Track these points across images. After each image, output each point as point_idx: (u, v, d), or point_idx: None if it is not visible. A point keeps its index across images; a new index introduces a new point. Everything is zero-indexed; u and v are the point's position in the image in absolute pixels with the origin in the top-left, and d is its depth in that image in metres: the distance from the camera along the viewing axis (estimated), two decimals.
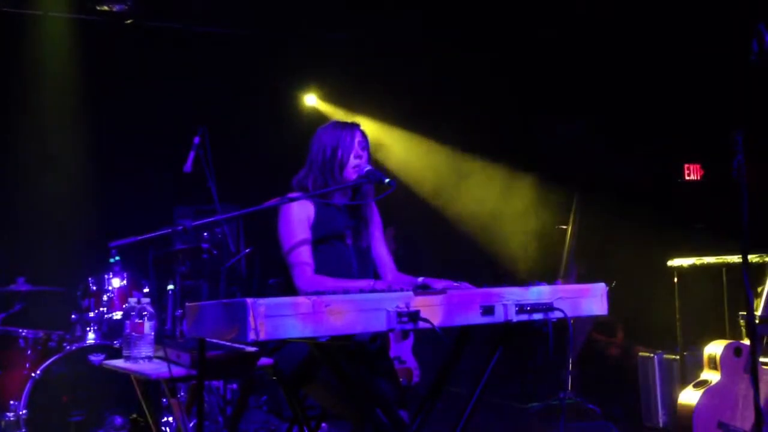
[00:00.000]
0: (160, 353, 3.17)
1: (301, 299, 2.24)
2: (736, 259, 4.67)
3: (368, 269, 3.21)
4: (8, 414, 4.46)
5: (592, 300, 2.78)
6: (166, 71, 6.45)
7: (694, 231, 5.86)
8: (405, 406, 3.00)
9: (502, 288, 2.59)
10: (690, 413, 4.17)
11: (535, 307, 2.61)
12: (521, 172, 7.02)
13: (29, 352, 4.72)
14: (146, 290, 5.04)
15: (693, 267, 4.96)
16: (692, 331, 5.06)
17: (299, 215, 3.04)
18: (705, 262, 4.90)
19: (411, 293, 2.41)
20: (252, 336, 2.14)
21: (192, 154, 4.68)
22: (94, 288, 4.92)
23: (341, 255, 3.11)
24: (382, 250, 3.29)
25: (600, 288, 2.81)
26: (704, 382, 4.25)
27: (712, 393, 4.17)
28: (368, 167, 3.13)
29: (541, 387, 6.20)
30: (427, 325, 2.38)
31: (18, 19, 6.18)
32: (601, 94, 6.59)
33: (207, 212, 5.12)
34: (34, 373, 4.47)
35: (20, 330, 4.77)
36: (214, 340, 2.92)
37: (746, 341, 4.20)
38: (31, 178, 6.22)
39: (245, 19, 6.67)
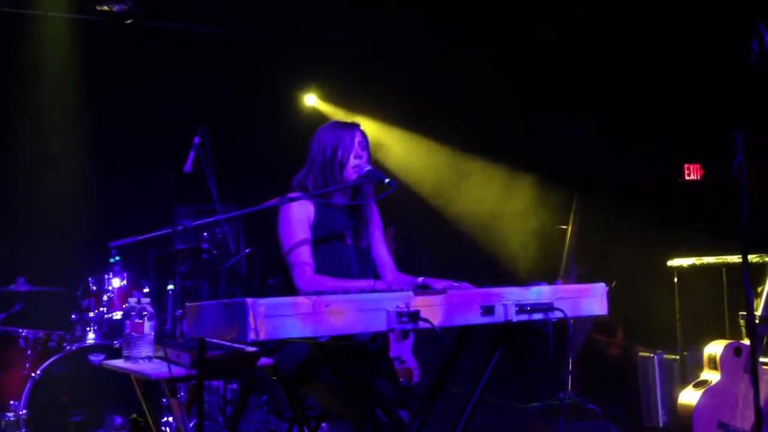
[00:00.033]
0: (160, 353, 3.17)
1: (301, 299, 2.24)
2: (736, 259, 4.67)
3: (368, 269, 3.21)
4: (8, 414, 4.46)
5: (592, 300, 2.78)
6: (166, 71, 6.45)
7: (694, 231, 5.86)
8: (405, 406, 3.00)
9: (502, 288, 2.59)
10: (690, 413, 4.17)
11: (535, 307, 2.62)
12: (521, 172, 7.02)
13: (29, 352, 4.72)
14: (146, 290, 5.04)
15: (693, 267, 4.97)
16: (692, 331, 5.06)
17: (299, 215, 3.04)
18: (705, 262, 4.90)
19: (411, 293, 2.41)
20: (252, 336, 2.14)
21: (192, 154, 4.68)
22: (94, 288, 4.92)
23: (341, 255, 3.11)
24: (382, 250, 3.29)
25: (600, 288, 2.81)
26: (704, 382, 4.25)
27: (712, 393, 4.17)
28: (368, 167, 3.13)
29: (541, 387, 6.20)
30: (427, 325, 2.38)
31: (18, 19, 6.18)
32: (601, 94, 6.59)
33: (207, 212, 5.12)
34: (34, 373, 4.47)
35: (20, 330, 4.77)
36: (214, 340, 2.92)
37: (746, 341, 4.20)
38: (31, 178, 6.22)
39: (245, 19, 6.67)
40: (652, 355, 5.23)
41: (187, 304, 2.52)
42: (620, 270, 5.80)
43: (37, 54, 6.29)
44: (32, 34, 6.26)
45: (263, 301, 2.16)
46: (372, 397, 2.73)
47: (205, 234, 5.53)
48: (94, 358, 4.59)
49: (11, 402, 4.49)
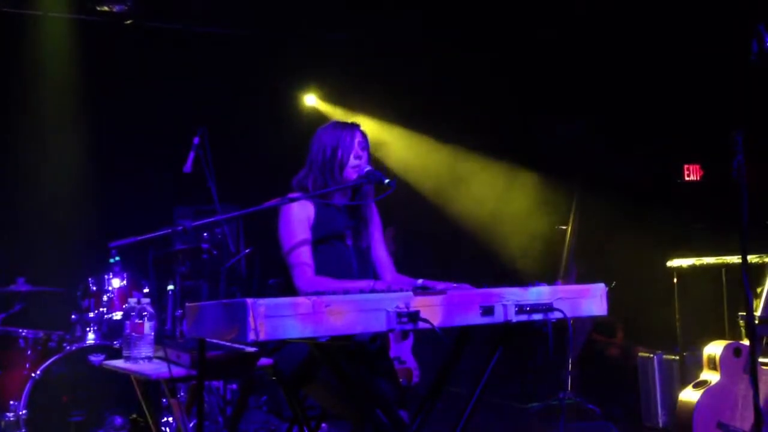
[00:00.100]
0: (160, 353, 3.17)
1: (300, 299, 2.24)
2: (735, 259, 4.67)
3: (368, 269, 3.21)
4: (8, 414, 4.46)
5: (592, 300, 2.78)
6: (166, 71, 6.45)
7: (693, 231, 5.86)
8: (405, 406, 3.00)
9: (502, 288, 2.59)
10: (690, 413, 4.17)
11: (535, 308, 2.62)
12: (521, 172, 7.02)
13: (29, 352, 4.72)
14: (146, 290, 5.04)
15: (692, 267, 4.97)
16: (692, 331, 5.06)
17: (299, 215, 3.04)
18: (704, 263, 4.91)
19: (411, 293, 2.41)
20: (252, 336, 2.14)
21: (192, 155, 4.68)
22: (94, 288, 4.92)
23: (341, 255, 3.11)
24: (381, 251, 3.29)
25: (600, 288, 2.81)
26: (704, 383, 4.25)
27: (711, 393, 4.17)
28: (368, 167, 3.14)
29: (541, 387, 6.20)
30: (427, 326, 2.38)
31: (18, 20, 6.18)
32: (601, 94, 6.59)
33: (207, 212, 5.12)
34: (34, 373, 4.47)
35: (20, 330, 4.77)
36: (214, 341, 2.92)
37: (746, 341, 4.20)
38: (31, 178, 6.22)
39: (245, 19, 6.67)
40: (651, 355, 5.23)
41: (187, 304, 2.52)
42: (620, 270, 5.80)
43: (37, 54, 6.29)
44: (32, 34, 6.26)
45: (263, 302, 2.16)
46: (372, 397, 2.73)
47: (205, 234, 5.53)
48: (94, 358, 4.59)
49: (11, 402, 4.49)
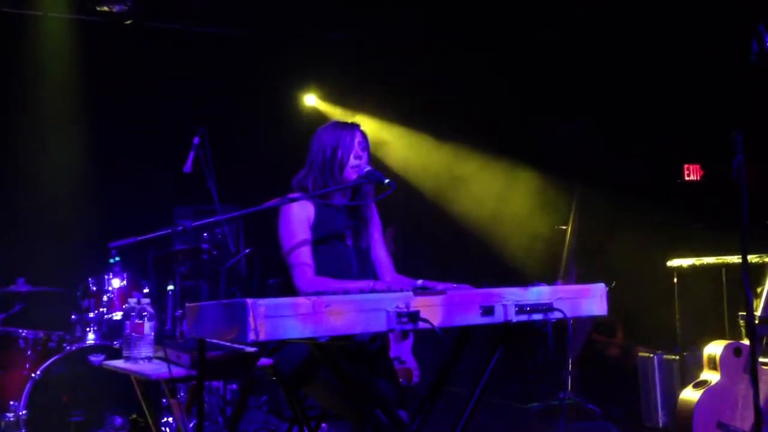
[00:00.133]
0: (160, 354, 3.17)
1: (300, 300, 2.24)
2: (735, 259, 4.67)
3: (368, 270, 3.21)
4: (8, 414, 4.46)
5: (592, 300, 2.78)
6: (166, 71, 6.45)
7: (693, 231, 5.86)
8: (405, 406, 3.00)
9: (502, 288, 2.59)
10: (690, 413, 4.17)
11: (535, 308, 2.62)
12: (521, 172, 7.02)
13: (29, 352, 4.72)
14: (146, 291, 5.04)
15: (692, 267, 4.97)
16: (692, 331, 5.06)
17: (299, 216, 3.04)
18: (704, 263, 4.91)
19: (411, 293, 2.41)
20: (252, 336, 2.14)
21: (192, 155, 4.68)
22: (94, 288, 4.92)
23: (341, 255, 3.11)
24: (381, 252, 3.29)
25: (600, 288, 2.81)
26: (704, 383, 4.25)
27: (711, 393, 4.17)
28: (368, 168, 3.14)
29: (541, 387, 6.20)
30: (427, 326, 2.38)
31: (18, 20, 6.18)
32: (601, 94, 6.59)
33: (207, 212, 5.12)
34: (34, 373, 4.47)
35: (20, 330, 4.77)
36: (214, 341, 2.92)
37: (746, 341, 4.20)
38: (31, 178, 6.22)
39: (245, 19, 6.67)
40: (651, 355, 5.23)
41: (187, 304, 2.52)
42: (620, 270, 5.80)
43: (37, 54, 6.29)
44: (32, 34, 6.26)
45: (263, 302, 2.16)
46: (372, 398, 2.73)
47: (205, 234, 5.53)
48: (94, 358, 4.59)
49: (11, 402, 4.49)
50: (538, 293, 2.65)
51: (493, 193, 7.03)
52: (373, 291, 2.48)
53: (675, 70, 6.25)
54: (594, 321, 6.37)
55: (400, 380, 3.72)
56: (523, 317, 2.60)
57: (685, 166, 6.52)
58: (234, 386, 5.11)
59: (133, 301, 3.28)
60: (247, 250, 5.35)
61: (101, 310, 4.87)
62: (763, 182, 4.66)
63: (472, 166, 7.18)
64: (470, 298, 2.52)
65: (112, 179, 6.35)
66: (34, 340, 4.74)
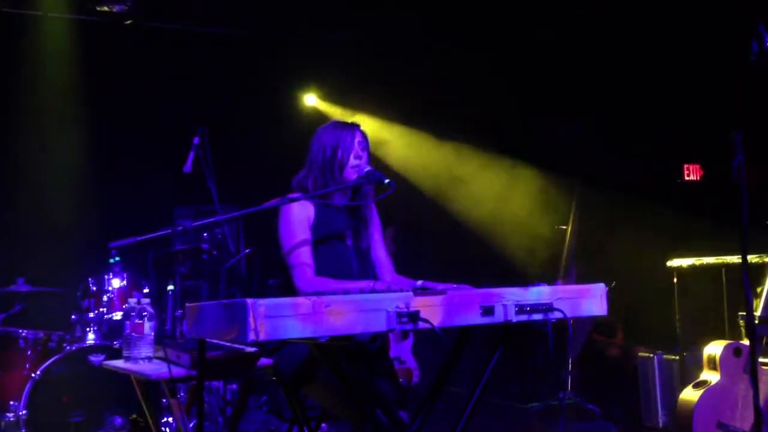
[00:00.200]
0: (160, 354, 3.17)
1: (301, 300, 2.24)
2: (735, 259, 4.67)
3: (368, 270, 3.21)
4: (8, 414, 4.46)
5: (592, 300, 2.78)
6: (166, 71, 6.45)
7: (693, 231, 5.85)
8: (405, 406, 3.00)
9: (502, 288, 2.59)
10: (690, 413, 4.17)
11: (535, 308, 2.62)
12: (521, 172, 7.02)
13: (29, 352, 4.72)
14: (146, 291, 5.04)
15: (692, 267, 4.97)
16: (692, 331, 5.06)
17: (299, 216, 3.04)
18: (704, 263, 4.91)
19: (411, 293, 2.41)
20: (252, 336, 2.14)
21: (192, 155, 4.68)
22: (94, 288, 4.92)
23: (341, 255, 3.11)
24: (380, 252, 3.29)
25: (599, 288, 2.81)
26: (704, 383, 4.25)
27: (711, 393, 4.17)
28: (368, 168, 3.14)
29: (541, 387, 6.20)
30: (427, 326, 2.38)
31: (18, 20, 6.18)
32: (601, 94, 6.59)
33: (207, 213, 5.12)
34: (34, 373, 4.47)
35: (20, 330, 4.77)
36: (214, 341, 2.92)
37: (746, 341, 4.20)
38: (31, 179, 6.22)
39: (245, 19, 6.67)
40: (651, 355, 5.23)
41: (187, 304, 2.52)
42: (620, 270, 5.80)
43: (37, 54, 6.29)
44: (32, 34, 6.26)
45: (263, 302, 2.16)
46: (372, 398, 2.73)
47: (205, 234, 5.53)
48: (94, 358, 4.59)
49: (11, 402, 4.49)
50: (538, 293, 2.65)
51: (493, 193, 7.03)
52: (373, 291, 2.48)
53: (675, 70, 6.25)
54: (594, 321, 6.37)
55: (400, 380, 3.72)
56: (523, 317, 2.60)
57: (685, 166, 6.52)
58: (234, 386, 5.11)
59: (133, 301, 3.28)
60: (247, 250, 5.35)
61: (101, 310, 4.87)
62: (763, 182, 4.66)
63: (472, 166, 7.18)
64: (470, 298, 2.52)
65: (112, 179, 6.34)
66: (34, 340, 4.74)
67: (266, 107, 6.91)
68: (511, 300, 2.58)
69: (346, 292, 2.44)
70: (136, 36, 6.52)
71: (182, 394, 4.49)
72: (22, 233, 6.03)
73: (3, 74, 6.13)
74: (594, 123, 6.64)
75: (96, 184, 6.25)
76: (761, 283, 4.38)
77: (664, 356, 5.19)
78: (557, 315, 2.65)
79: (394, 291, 2.47)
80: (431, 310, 2.41)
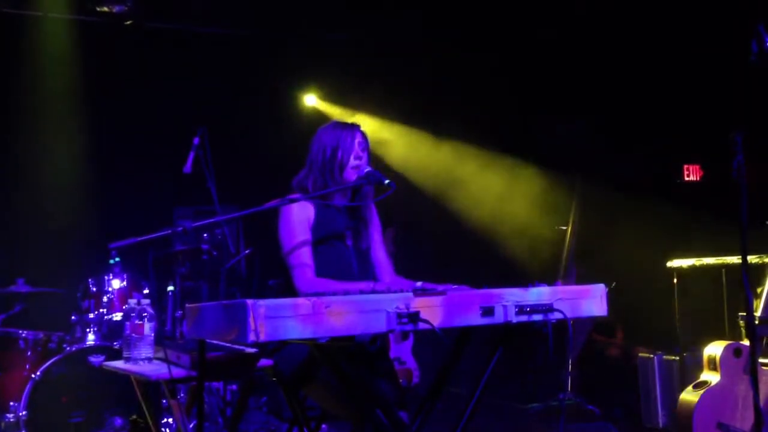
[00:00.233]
0: (160, 354, 3.17)
1: (301, 300, 2.24)
2: (735, 259, 4.67)
3: (369, 270, 3.20)
4: (8, 415, 4.46)
5: (592, 301, 2.78)
6: (166, 72, 6.45)
7: (693, 231, 5.85)
8: (405, 407, 3.00)
9: (502, 289, 2.59)
10: (690, 414, 4.17)
11: (535, 308, 2.61)
12: (521, 172, 7.02)
13: (29, 353, 4.72)
14: (146, 291, 5.04)
15: (692, 267, 4.97)
16: (692, 331, 5.06)
17: (299, 216, 3.04)
18: (704, 263, 4.91)
19: (411, 294, 2.41)
20: (252, 337, 2.14)
21: (192, 155, 4.68)
22: (94, 289, 4.92)
23: (341, 256, 3.11)
24: (380, 253, 3.28)
25: (599, 289, 2.81)
26: (704, 383, 4.25)
27: (711, 394, 4.17)
28: (368, 168, 3.14)
29: (540, 388, 6.20)
30: (427, 326, 2.38)
31: (18, 20, 6.18)
32: (601, 94, 6.58)
33: (207, 213, 5.12)
34: (34, 374, 4.47)
35: (20, 331, 4.77)
36: (214, 342, 2.92)
37: (746, 342, 4.20)
38: (31, 179, 6.22)
39: (245, 19, 6.67)
40: (651, 355, 5.23)
41: (187, 305, 2.52)
42: (620, 271, 5.80)
43: (37, 55, 6.29)
44: (32, 34, 6.26)
45: (263, 303, 2.16)
46: (372, 398, 2.73)
47: (205, 235, 5.53)
48: (94, 359, 4.59)
49: (11, 403, 4.49)
50: (538, 294, 2.65)
51: (493, 193, 7.03)
52: (374, 292, 2.47)
53: (675, 70, 6.25)
54: (594, 321, 6.37)
55: (400, 381, 3.72)
56: (523, 318, 2.60)
57: (685, 166, 6.52)
58: (234, 387, 5.11)
59: (133, 301, 3.28)
60: (247, 251, 5.35)
61: (101, 310, 4.87)
62: (763, 182, 4.66)
63: (472, 167, 7.17)
64: (470, 299, 2.52)
65: (112, 179, 6.34)
66: (34, 341, 4.74)
67: (266, 107, 6.91)
68: (511, 301, 2.58)
69: (347, 292, 2.44)
70: (136, 36, 6.52)
71: (182, 394, 4.49)
72: (22, 233, 6.03)
73: (3, 74, 6.13)
74: (594, 123, 6.64)
75: (96, 184, 6.25)
76: (761, 284, 4.38)
77: (664, 356, 5.19)
78: (557, 316, 2.65)
79: (394, 292, 2.47)
80: (431, 310, 2.41)
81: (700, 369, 4.39)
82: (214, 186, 4.77)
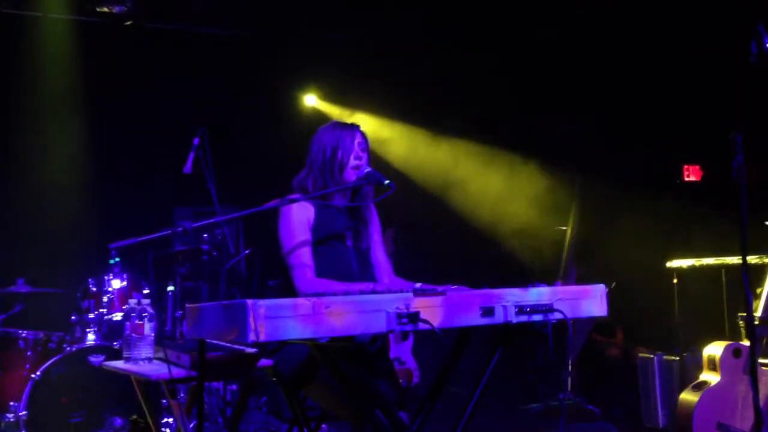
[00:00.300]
0: (160, 354, 3.17)
1: (301, 301, 2.24)
2: (735, 260, 4.67)
3: (369, 270, 3.20)
4: (8, 415, 4.47)
5: (592, 301, 2.78)
6: (166, 72, 6.45)
7: (693, 231, 5.86)
8: (405, 407, 3.00)
9: (502, 289, 2.59)
10: (690, 414, 4.17)
11: (535, 309, 2.61)
12: (521, 172, 7.02)
13: (29, 353, 4.72)
14: (146, 291, 5.04)
15: (692, 268, 4.97)
16: (692, 332, 5.06)
17: (299, 217, 3.04)
18: (704, 264, 4.91)
19: (411, 294, 2.41)
20: (252, 337, 2.14)
21: (192, 155, 4.68)
22: (94, 289, 4.92)
23: (341, 256, 3.11)
24: (379, 254, 3.28)
25: (599, 289, 2.81)
26: (704, 383, 4.25)
27: (711, 394, 4.17)
28: (368, 169, 3.13)
29: (540, 388, 6.20)
30: (427, 327, 2.38)
31: (18, 20, 6.18)
32: (601, 94, 6.59)
33: (207, 213, 5.12)
34: (34, 374, 4.47)
35: (20, 331, 4.77)
36: (214, 342, 2.92)
37: (745, 342, 4.20)
38: (31, 179, 6.22)
39: (245, 19, 6.67)
40: (651, 356, 5.23)
41: (187, 305, 2.52)
42: (620, 271, 5.80)
43: (37, 55, 6.29)
44: (32, 35, 6.26)
45: (263, 303, 2.16)
46: (372, 398, 2.73)
47: (205, 235, 5.53)
48: (94, 359, 4.59)
49: (11, 403, 4.50)
50: (538, 294, 2.65)
51: (493, 193, 7.03)
52: (374, 292, 2.47)
53: (675, 70, 6.25)
54: (594, 321, 6.37)
55: (400, 381, 3.72)
56: (523, 318, 2.60)
57: (685, 166, 6.53)
58: (234, 387, 5.11)
59: (133, 301, 3.28)
60: (246, 251, 5.35)
61: (101, 310, 4.87)
62: (763, 182, 4.66)
63: (472, 167, 7.17)
64: (470, 299, 2.52)
65: (112, 179, 6.35)
66: (34, 341, 4.74)
67: (266, 107, 6.91)
68: (511, 301, 2.58)
69: (347, 293, 2.44)
70: (136, 37, 6.52)
71: (182, 394, 4.49)
72: (22, 233, 6.03)
73: (3, 74, 6.14)
74: (594, 123, 6.65)
75: (96, 184, 6.25)
76: (761, 284, 4.38)
77: (664, 357, 5.19)
78: (557, 316, 2.65)
79: (394, 292, 2.47)
80: (431, 311, 2.41)
81: (700, 369, 4.39)
82: (214, 186, 4.77)
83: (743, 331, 4.33)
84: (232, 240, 5.15)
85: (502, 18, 6.66)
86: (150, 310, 3.25)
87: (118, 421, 4.51)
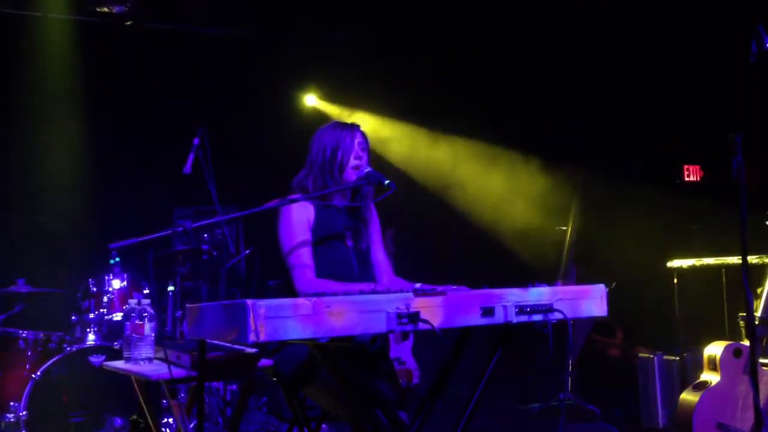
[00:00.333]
0: (161, 354, 3.17)
1: (301, 301, 2.24)
2: (735, 260, 4.67)
3: (369, 270, 3.20)
4: (8, 415, 4.46)
5: (592, 301, 2.78)
6: (166, 72, 6.45)
7: (693, 231, 5.86)
8: (405, 407, 3.00)
9: (502, 289, 2.59)
10: (690, 414, 4.17)
11: (535, 309, 2.61)
12: (521, 172, 7.02)
13: (29, 353, 4.72)
14: (146, 291, 5.04)
15: (692, 268, 4.97)
16: (692, 332, 5.06)
17: (299, 217, 3.04)
18: (704, 264, 4.91)
19: (411, 294, 2.41)
20: (252, 337, 2.14)
21: (192, 155, 4.68)
22: (95, 289, 4.92)
23: (341, 256, 3.11)
24: (379, 254, 3.28)
25: (599, 289, 2.81)
26: (704, 384, 4.25)
27: (711, 394, 4.17)
28: (368, 169, 3.13)
29: (540, 388, 6.20)
30: (427, 327, 2.38)
31: (18, 21, 6.18)
32: (601, 94, 6.59)
33: (207, 213, 5.12)
34: (35, 374, 4.47)
35: (20, 331, 4.77)
36: (215, 342, 2.92)
37: (746, 342, 4.20)
38: (31, 179, 6.22)
39: (245, 19, 6.67)
40: (651, 356, 5.23)
41: (187, 305, 2.52)
42: (620, 271, 5.80)
43: (37, 55, 6.29)
44: (32, 35, 6.26)
45: (263, 303, 2.16)
46: (372, 399, 2.73)
47: (205, 235, 5.53)
48: (95, 359, 4.59)
49: (11, 403, 4.50)
50: (538, 294, 2.65)
51: (493, 193, 7.03)
52: (374, 292, 2.47)
53: (675, 70, 6.26)
54: (594, 322, 6.37)
55: (400, 381, 3.72)
56: (524, 318, 2.60)
57: (685, 166, 6.53)
58: (234, 387, 5.11)
59: (133, 301, 3.28)
60: (247, 251, 5.35)
61: (101, 311, 4.87)
62: (763, 182, 4.66)
63: (472, 167, 7.17)
64: (470, 299, 2.52)
65: (112, 179, 6.35)
66: (35, 341, 4.74)
67: (266, 107, 6.91)
68: (511, 301, 2.58)
69: (347, 293, 2.44)
70: (136, 37, 6.52)
71: (182, 394, 4.50)
72: (22, 233, 6.03)
73: (3, 74, 6.14)
74: (594, 123, 6.65)
75: (96, 185, 6.25)
76: (761, 284, 4.38)
77: (664, 357, 5.19)
78: (557, 316, 2.65)
79: (395, 292, 2.47)
80: (431, 311, 2.41)
81: (700, 369, 4.39)
82: (214, 186, 4.77)
83: (743, 331, 4.33)
84: (232, 240, 5.14)
85: (502, 18, 6.66)
86: (150, 310, 3.25)
87: (118, 421, 4.51)
